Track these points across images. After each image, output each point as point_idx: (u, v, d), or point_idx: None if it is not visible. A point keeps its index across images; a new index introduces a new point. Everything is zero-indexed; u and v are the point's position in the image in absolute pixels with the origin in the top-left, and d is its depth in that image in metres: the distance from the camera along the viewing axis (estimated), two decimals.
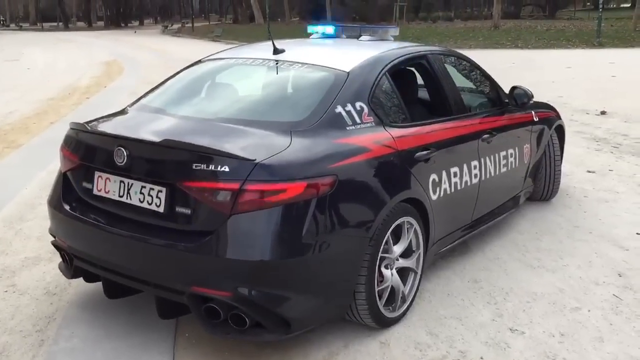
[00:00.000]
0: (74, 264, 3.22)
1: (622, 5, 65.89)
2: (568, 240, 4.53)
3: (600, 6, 23.81)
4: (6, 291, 3.68)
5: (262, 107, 3.34)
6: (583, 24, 34.74)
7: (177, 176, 2.76)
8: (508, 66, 16.35)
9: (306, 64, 3.49)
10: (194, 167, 2.68)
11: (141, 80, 15.14)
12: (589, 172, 6.33)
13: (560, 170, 5.29)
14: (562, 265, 4.07)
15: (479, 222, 4.18)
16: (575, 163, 6.59)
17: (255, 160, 2.66)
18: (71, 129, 3.25)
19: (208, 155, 2.68)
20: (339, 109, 3.11)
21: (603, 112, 9.67)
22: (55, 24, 72.68)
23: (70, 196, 3.21)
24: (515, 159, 4.49)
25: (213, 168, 2.65)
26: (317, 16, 49.49)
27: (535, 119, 4.84)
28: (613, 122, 9.02)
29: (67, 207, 3.16)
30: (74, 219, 3.09)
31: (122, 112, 3.54)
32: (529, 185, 4.99)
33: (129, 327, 3.25)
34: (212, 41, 34.92)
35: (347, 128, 3.09)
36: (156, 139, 2.82)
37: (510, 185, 4.59)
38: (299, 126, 2.99)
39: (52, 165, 6.63)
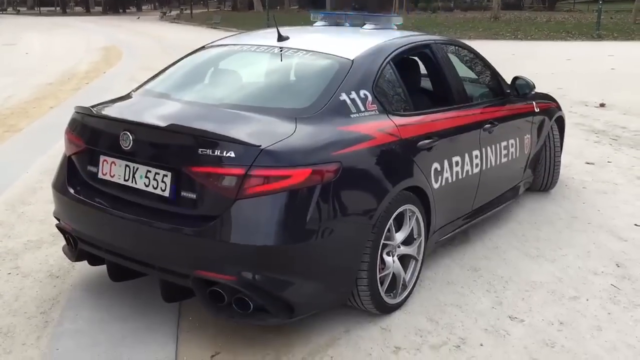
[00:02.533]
0: (78, 247, 3.24)
1: None
2: (567, 230, 4.57)
3: None
4: (9, 273, 3.70)
5: (266, 94, 3.36)
6: (582, 16, 34.70)
7: (182, 161, 2.78)
8: (508, 57, 16.32)
9: (310, 51, 3.50)
10: (199, 152, 2.70)
11: (140, 66, 15.10)
12: (588, 163, 6.36)
13: (560, 161, 5.32)
14: (561, 255, 4.11)
15: (478, 212, 4.21)
16: (575, 154, 6.62)
17: (260, 146, 2.68)
18: (76, 112, 3.26)
19: (214, 140, 2.70)
20: (344, 96, 3.13)
21: (602, 105, 9.69)
22: (53, 8, 72.27)
23: (75, 180, 3.22)
24: (515, 149, 4.52)
25: (219, 153, 2.67)
26: (317, 4, 49.36)
27: (536, 110, 4.87)
28: (612, 114, 9.05)
29: (71, 191, 3.17)
30: (79, 202, 3.11)
31: (127, 96, 3.55)
32: (529, 176, 5.02)
33: (132, 310, 3.28)
34: (210, 28, 34.78)
35: (352, 116, 3.11)
36: (162, 123, 2.84)
37: (510, 176, 4.62)
38: (303, 113, 3.00)
39: (52, 150, 6.65)
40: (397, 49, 3.60)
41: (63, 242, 3.98)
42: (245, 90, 3.49)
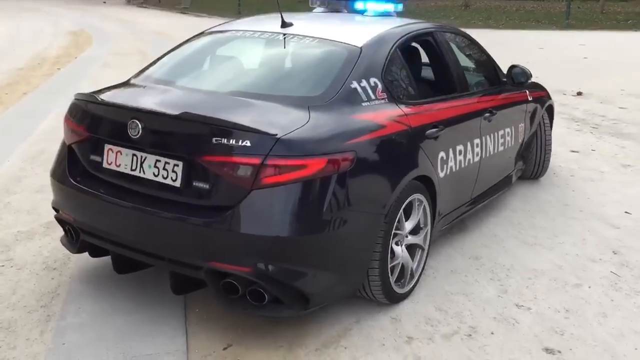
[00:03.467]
0: (80, 239, 3.13)
1: None
2: (560, 218, 4.61)
3: None
4: (3, 265, 3.57)
5: (276, 81, 3.29)
6: (550, 5, 35.02)
7: (195, 150, 2.70)
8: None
9: (317, 38, 3.44)
10: (213, 141, 2.63)
11: (112, 51, 14.78)
12: (573, 151, 6.45)
13: (550, 150, 5.37)
14: (558, 242, 4.15)
15: (477, 200, 4.22)
16: (559, 142, 6.66)
17: (277, 135, 2.62)
18: (77, 99, 3.15)
19: (229, 129, 2.63)
20: (355, 84, 3.09)
21: (579, 93, 9.83)
22: None
23: (75, 169, 3.11)
24: (511, 137, 4.54)
25: (234, 142, 2.61)
26: None
27: (530, 98, 4.89)
28: (590, 103, 9.19)
29: (73, 181, 3.06)
30: (82, 192, 3.00)
31: (128, 83, 3.44)
32: (521, 165, 5.05)
33: (135, 303, 3.20)
34: (180, 13, 34.24)
35: (363, 104, 3.07)
36: (174, 111, 2.74)
37: (505, 164, 4.64)
38: (315, 101, 2.95)
39: (32, 137, 6.47)
40: (403, 36, 3.56)
41: (56, 233, 3.90)
42: (255, 77, 3.41)
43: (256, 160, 2.59)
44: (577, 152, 6.44)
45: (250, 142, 2.60)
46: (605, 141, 6.95)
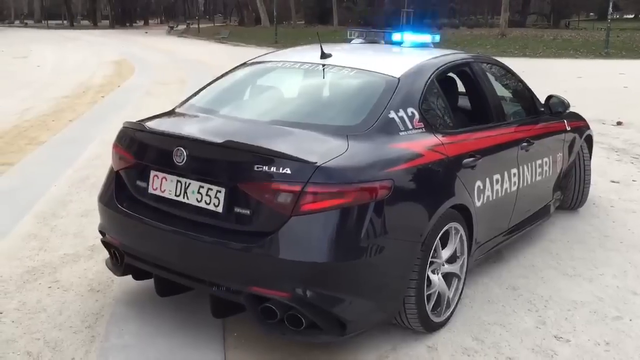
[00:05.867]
0: (124, 262, 3.23)
1: (625, 16, 66.10)
2: (600, 249, 4.55)
3: (610, 17, 23.92)
4: (50, 287, 3.70)
5: (316, 111, 3.37)
6: (589, 34, 34.81)
7: (237, 177, 2.79)
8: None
9: (356, 69, 3.53)
10: (255, 168, 2.71)
11: (154, 80, 15.19)
12: (613, 182, 6.36)
13: (589, 180, 5.32)
14: (598, 274, 4.10)
15: (514, 230, 4.21)
16: (598, 173, 6.59)
17: (316, 163, 2.69)
18: (125, 127, 3.28)
19: (270, 157, 2.71)
20: (392, 114, 3.15)
21: (619, 123, 9.71)
22: (60, 22, 72.78)
23: (122, 194, 3.23)
24: (549, 167, 4.53)
25: (275, 170, 2.68)
26: (323, 20, 49.57)
27: (568, 128, 4.88)
28: (630, 132, 9.06)
29: (120, 205, 3.18)
30: (128, 217, 3.11)
31: (173, 112, 3.56)
32: (559, 195, 5.02)
33: (176, 326, 3.27)
34: (219, 43, 35.07)
35: (400, 133, 3.12)
36: (218, 140, 2.84)
37: (543, 194, 4.62)
38: (354, 130, 3.02)
39: (77, 163, 6.69)
40: (440, 67, 3.62)
41: (100, 256, 4.02)
42: (295, 106, 3.50)
43: (296, 188, 2.66)
44: (617, 182, 6.35)
45: (291, 170, 2.67)
46: None
